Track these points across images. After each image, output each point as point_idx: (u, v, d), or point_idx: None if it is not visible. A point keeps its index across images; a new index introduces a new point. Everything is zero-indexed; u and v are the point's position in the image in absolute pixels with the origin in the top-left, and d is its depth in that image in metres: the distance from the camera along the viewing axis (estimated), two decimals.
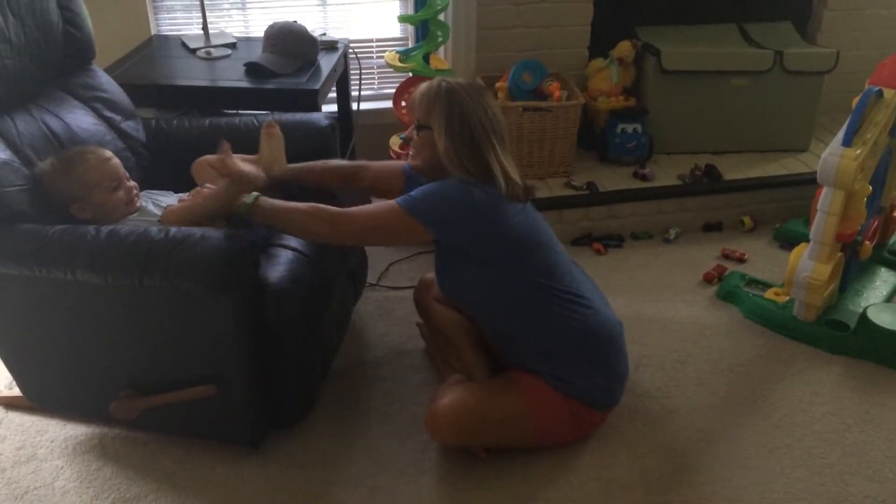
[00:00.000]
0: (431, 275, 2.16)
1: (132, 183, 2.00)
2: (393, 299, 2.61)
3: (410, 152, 1.93)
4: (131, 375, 1.93)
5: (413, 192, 1.82)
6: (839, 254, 2.37)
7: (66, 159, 1.92)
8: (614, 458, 1.97)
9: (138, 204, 1.99)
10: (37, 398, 2.10)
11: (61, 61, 2.17)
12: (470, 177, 1.80)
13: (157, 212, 1.98)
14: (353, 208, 1.83)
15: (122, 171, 1.98)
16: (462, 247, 1.83)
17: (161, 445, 2.00)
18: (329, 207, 1.82)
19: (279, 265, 1.94)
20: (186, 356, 1.86)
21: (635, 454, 1.98)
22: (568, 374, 1.87)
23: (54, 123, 2.05)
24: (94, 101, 2.21)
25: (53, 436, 2.05)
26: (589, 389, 1.89)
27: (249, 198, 1.84)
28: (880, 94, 2.25)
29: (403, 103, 2.90)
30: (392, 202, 1.82)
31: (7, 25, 1.94)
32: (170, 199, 2.08)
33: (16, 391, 2.13)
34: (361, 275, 2.43)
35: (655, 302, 2.60)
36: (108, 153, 1.99)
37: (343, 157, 2.41)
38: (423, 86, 1.86)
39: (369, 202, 1.95)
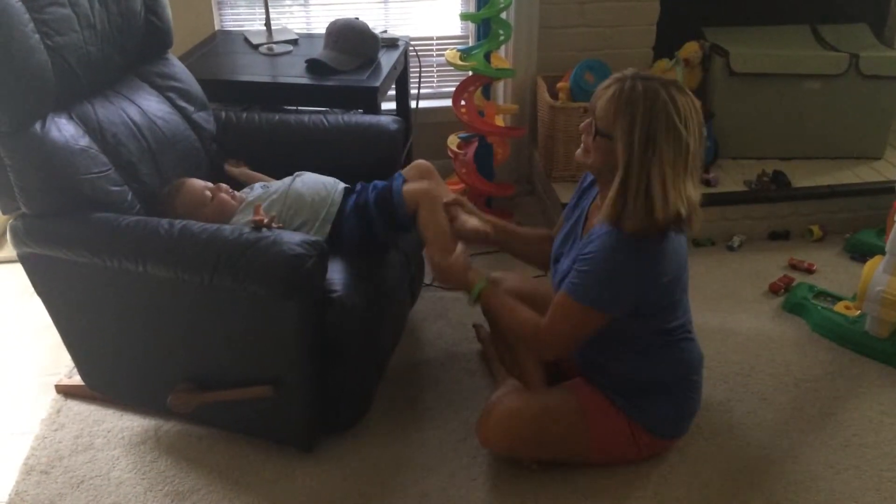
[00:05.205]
0: (497, 274, 2.12)
1: (220, 185, 2.07)
2: (447, 300, 2.58)
3: (583, 145, 1.74)
4: (190, 369, 1.94)
5: (577, 278, 1.68)
6: None
7: (167, 195, 2.02)
8: (673, 473, 1.91)
9: (240, 195, 2.08)
10: (97, 386, 2.13)
11: (140, 49, 2.19)
12: (638, 218, 1.59)
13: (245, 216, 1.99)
14: (545, 321, 1.74)
15: (204, 182, 2.07)
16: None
17: (215, 441, 2.01)
18: (535, 319, 1.76)
19: (344, 271, 1.92)
20: (246, 355, 1.87)
21: (695, 471, 1.92)
22: (643, 400, 1.83)
23: (132, 110, 2.07)
24: (168, 90, 2.23)
25: (110, 426, 2.08)
26: (658, 419, 1.85)
27: (481, 282, 1.82)
28: None
29: (463, 102, 2.87)
30: (562, 296, 1.70)
31: (93, 12, 1.96)
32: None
33: (75, 380, 2.17)
34: (419, 278, 2.41)
35: (718, 311, 2.52)
36: (183, 179, 2.06)
37: (401, 155, 2.39)
38: (613, 86, 1.64)
39: None
